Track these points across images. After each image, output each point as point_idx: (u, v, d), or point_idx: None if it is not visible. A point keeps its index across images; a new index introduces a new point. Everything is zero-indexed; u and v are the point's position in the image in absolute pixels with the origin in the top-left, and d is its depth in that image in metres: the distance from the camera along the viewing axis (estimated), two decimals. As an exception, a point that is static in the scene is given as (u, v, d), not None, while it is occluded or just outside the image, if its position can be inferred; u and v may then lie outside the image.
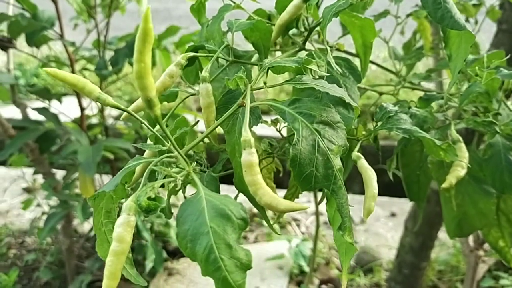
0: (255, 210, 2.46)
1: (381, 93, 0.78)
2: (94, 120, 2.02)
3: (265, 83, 0.46)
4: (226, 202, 0.36)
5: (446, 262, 1.80)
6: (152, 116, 0.39)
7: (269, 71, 0.52)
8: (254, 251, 2.14)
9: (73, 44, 1.66)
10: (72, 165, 1.90)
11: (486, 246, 1.35)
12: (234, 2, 0.68)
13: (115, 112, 2.92)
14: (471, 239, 1.28)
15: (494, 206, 0.75)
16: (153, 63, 1.93)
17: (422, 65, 2.56)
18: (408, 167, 0.84)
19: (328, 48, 0.55)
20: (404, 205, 2.37)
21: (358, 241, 2.19)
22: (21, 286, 1.98)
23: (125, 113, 0.52)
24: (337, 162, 0.42)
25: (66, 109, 1.83)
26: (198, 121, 0.52)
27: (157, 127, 0.55)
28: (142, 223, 1.77)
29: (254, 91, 0.51)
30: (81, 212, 1.72)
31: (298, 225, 2.31)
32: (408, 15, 0.89)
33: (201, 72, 0.69)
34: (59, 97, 1.89)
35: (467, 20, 1.15)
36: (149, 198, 0.37)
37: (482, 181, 0.75)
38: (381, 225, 2.28)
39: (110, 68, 1.77)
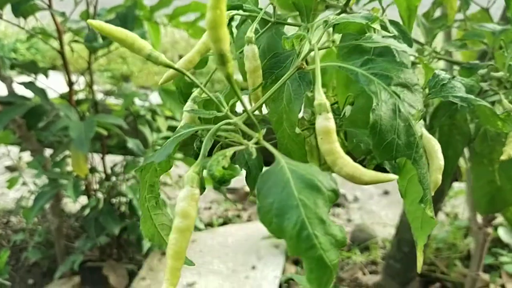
0: (247, 189, 2.41)
1: (413, 63, 0.74)
2: (81, 96, 1.94)
3: (333, 42, 0.41)
4: (312, 172, 0.32)
5: (443, 240, 1.80)
6: (224, 74, 0.34)
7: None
8: (249, 230, 2.11)
9: (63, 14, 1.57)
10: (60, 143, 1.83)
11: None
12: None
13: (103, 86, 2.82)
14: (479, 216, 1.27)
15: (531, 181, 0.72)
16: (143, 37, 1.85)
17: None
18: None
19: (382, 8, 0.50)
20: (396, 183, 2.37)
21: (353, 219, 2.18)
22: (10, 267, 1.91)
23: (168, 74, 0.47)
24: (418, 129, 0.38)
25: (52, 85, 1.75)
26: (259, 86, 0.47)
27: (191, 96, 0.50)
28: (138, 200, 1.72)
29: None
30: (73, 190, 1.66)
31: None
32: (436, -18, 0.85)
33: (232, 36, 0.64)
34: (45, 71, 1.81)
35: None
36: (223, 168, 0.33)
37: (518, 155, 0.73)
38: (375, 203, 2.27)
39: (100, 40, 1.69)
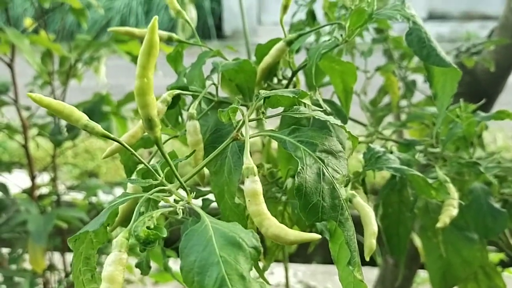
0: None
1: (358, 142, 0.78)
2: (45, 191, 1.92)
3: (263, 113, 0.44)
4: (235, 230, 0.33)
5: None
6: (152, 137, 0.36)
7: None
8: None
9: (28, 108, 1.60)
10: (19, 239, 1.77)
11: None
12: (212, 50, 0.67)
13: (68, 182, 2.80)
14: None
15: (479, 253, 0.74)
16: (109, 130, 1.88)
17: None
18: (388, 218, 0.82)
19: (316, 88, 0.54)
20: (367, 273, 2.34)
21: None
22: None
23: (111, 149, 0.48)
24: (342, 192, 0.40)
25: (17, 182, 1.74)
26: (194, 151, 0.49)
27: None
28: None
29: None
30: (29, 288, 1.58)
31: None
32: (377, 69, 0.92)
33: (181, 116, 0.67)
34: (8, 166, 1.80)
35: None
36: (148, 228, 0.33)
37: (464, 228, 0.74)
38: (346, 294, 2.22)
39: (66, 134, 1.72)
